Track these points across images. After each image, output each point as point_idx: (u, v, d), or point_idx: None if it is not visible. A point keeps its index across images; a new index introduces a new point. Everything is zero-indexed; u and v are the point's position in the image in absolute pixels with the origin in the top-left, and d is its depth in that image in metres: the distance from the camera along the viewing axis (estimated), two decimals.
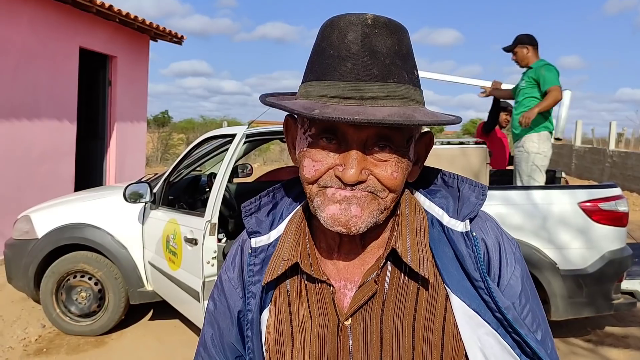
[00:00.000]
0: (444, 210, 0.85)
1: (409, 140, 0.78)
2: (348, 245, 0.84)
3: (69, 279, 4.40)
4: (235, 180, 6.00)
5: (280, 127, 4.55)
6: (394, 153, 0.76)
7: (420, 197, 0.88)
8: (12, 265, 4.58)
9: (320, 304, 0.84)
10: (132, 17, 7.50)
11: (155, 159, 21.01)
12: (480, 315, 0.78)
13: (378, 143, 0.75)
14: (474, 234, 0.82)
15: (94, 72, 8.00)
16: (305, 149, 0.78)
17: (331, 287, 0.83)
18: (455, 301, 0.79)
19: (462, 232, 0.82)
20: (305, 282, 0.86)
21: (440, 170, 0.90)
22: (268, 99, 0.80)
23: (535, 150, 4.56)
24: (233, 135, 3.72)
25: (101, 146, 8.20)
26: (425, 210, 0.86)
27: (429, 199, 0.87)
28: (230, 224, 5.27)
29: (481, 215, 0.87)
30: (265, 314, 0.88)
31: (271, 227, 0.91)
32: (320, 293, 0.84)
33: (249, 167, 5.93)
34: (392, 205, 0.79)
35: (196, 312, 3.53)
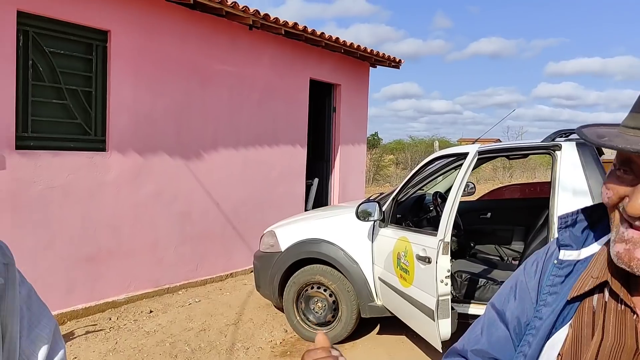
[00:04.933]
0: None
1: None
2: None
3: (307, 290, 4.83)
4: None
5: (511, 144, 4.42)
6: None
7: None
8: (260, 274, 5.20)
9: (618, 326, 0.82)
10: (355, 46, 8.02)
11: (368, 179, 21.85)
12: None
13: None
14: None
15: (320, 100, 8.72)
16: (606, 176, 0.81)
17: (635, 315, 0.81)
18: None
19: None
20: (606, 301, 0.84)
21: None
22: (584, 129, 0.83)
23: None
24: (464, 154, 3.73)
25: (326, 167, 8.87)
26: None
27: None
28: (453, 243, 5.24)
29: None
30: (565, 328, 0.88)
31: (583, 244, 0.92)
32: (622, 316, 0.82)
33: (472, 186, 5.85)
34: None
35: (429, 329, 3.57)
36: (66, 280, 5.03)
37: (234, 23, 6.54)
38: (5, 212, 4.60)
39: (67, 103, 5.10)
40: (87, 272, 5.23)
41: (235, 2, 6.05)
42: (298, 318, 4.83)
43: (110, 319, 5.09)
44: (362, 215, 4.43)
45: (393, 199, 4.42)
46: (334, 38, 7.61)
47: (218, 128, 6.56)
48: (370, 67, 9.46)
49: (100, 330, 4.79)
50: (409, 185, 4.49)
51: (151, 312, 5.34)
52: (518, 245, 5.34)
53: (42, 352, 1.15)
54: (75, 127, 5.20)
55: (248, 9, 6.22)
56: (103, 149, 5.38)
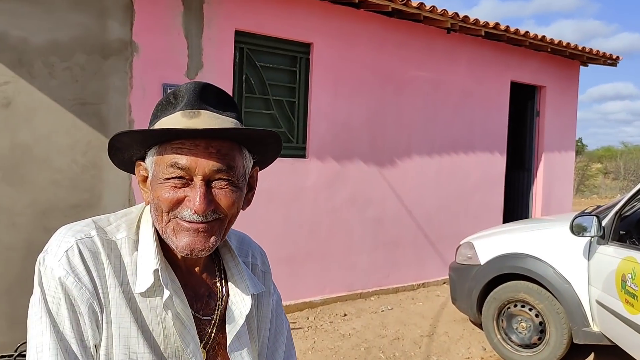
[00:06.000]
0: None
1: None
2: None
3: (509, 307, 4.47)
4: None
5: None
6: None
7: None
8: (456, 287, 4.97)
9: None
10: (564, 44, 7.33)
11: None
12: None
13: None
14: None
15: (522, 104, 8.13)
16: None
17: None
18: None
19: None
20: None
21: None
22: None
23: None
24: None
25: (527, 177, 8.23)
26: None
27: None
28: None
29: None
30: None
31: None
32: None
33: None
34: None
35: None
36: None
37: (431, 27, 6.42)
38: None
39: (273, 113, 5.46)
40: (287, 272, 5.52)
41: (434, 7, 5.92)
42: (499, 337, 4.49)
43: (308, 319, 5.29)
44: (577, 230, 3.95)
45: (616, 213, 3.87)
46: (539, 37, 7.04)
47: (412, 135, 6.48)
48: (581, 67, 8.57)
49: (300, 328, 5.01)
50: (636, 198, 3.89)
51: (345, 315, 5.44)
52: None
53: (280, 356, 1.19)
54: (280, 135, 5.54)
55: (446, 12, 6.05)
56: (303, 156, 5.65)
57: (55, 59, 4.12)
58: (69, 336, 0.89)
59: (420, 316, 5.48)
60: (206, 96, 0.96)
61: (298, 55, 5.57)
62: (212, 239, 0.95)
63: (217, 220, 0.95)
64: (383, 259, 6.33)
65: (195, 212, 0.91)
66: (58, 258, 0.91)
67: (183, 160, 0.91)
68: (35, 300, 0.91)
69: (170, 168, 0.92)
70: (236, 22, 5.04)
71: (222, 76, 4.95)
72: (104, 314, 0.92)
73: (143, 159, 1.00)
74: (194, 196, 0.91)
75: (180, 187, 0.93)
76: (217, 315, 1.05)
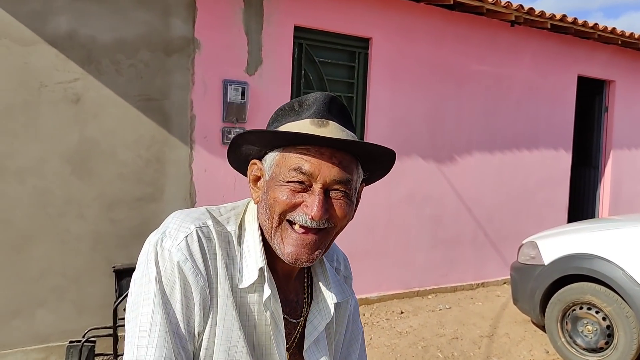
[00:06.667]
0: None
1: None
2: None
3: (574, 309, 4.30)
4: None
5: None
6: None
7: None
8: (518, 287, 4.81)
9: None
10: (635, 36, 6.95)
11: None
12: None
13: None
14: None
15: (589, 99, 7.79)
16: None
17: None
18: None
19: None
20: None
21: None
22: None
23: None
24: None
25: (595, 175, 7.87)
26: None
27: None
28: None
29: None
30: None
31: None
32: None
33: None
34: None
35: None
36: None
37: (494, 20, 6.23)
38: None
39: None
40: None
41: None
42: (563, 340, 4.32)
43: (364, 315, 5.27)
44: None
45: None
46: (609, 29, 6.71)
47: (472, 130, 6.32)
48: None
49: None
50: None
51: (402, 312, 5.38)
52: None
53: None
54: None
55: (511, 4, 5.85)
56: None
57: (121, 56, 4.27)
58: (179, 320, 0.91)
59: (479, 316, 5.35)
60: (333, 108, 0.99)
61: (357, 50, 5.54)
62: (317, 252, 0.97)
63: (325, 230, 0.97)
64: (441, 257, 6.21)
65: (311, 218, 0.93)
66: (178, 242, 0.93)
67: (307, 165, 0.93)
68: (146, 280, 0.92)
69: (292, 172, 0.94)
70: (295, 18, 5.06)
71: (281, 72, 4.99)
72: (211, 303, 0.93)
73: (259, 158, 1.02)
74: (312, 202, 0.93)
75: (298, 192, 0.94)
76: (302, 320, 1.07)
